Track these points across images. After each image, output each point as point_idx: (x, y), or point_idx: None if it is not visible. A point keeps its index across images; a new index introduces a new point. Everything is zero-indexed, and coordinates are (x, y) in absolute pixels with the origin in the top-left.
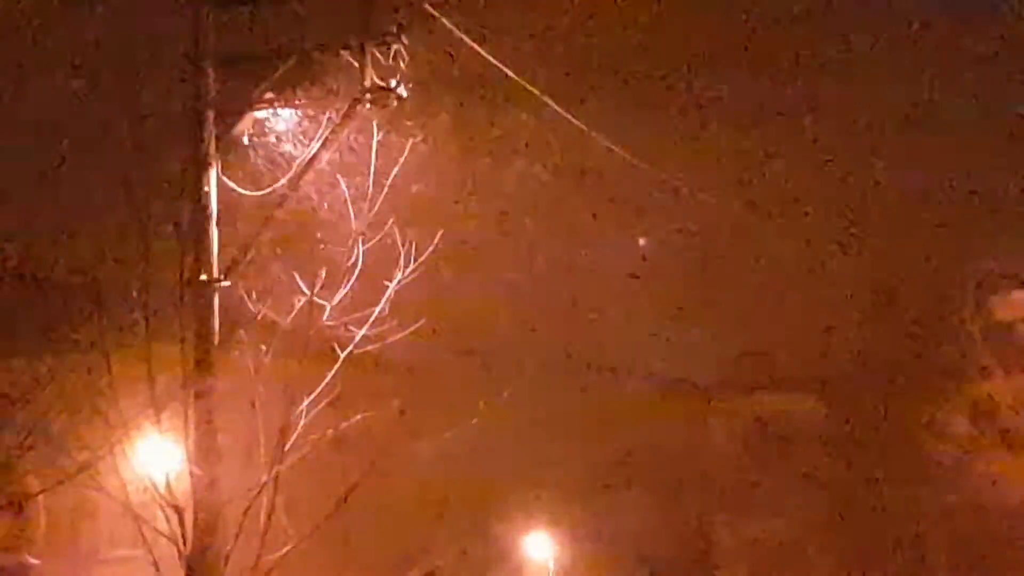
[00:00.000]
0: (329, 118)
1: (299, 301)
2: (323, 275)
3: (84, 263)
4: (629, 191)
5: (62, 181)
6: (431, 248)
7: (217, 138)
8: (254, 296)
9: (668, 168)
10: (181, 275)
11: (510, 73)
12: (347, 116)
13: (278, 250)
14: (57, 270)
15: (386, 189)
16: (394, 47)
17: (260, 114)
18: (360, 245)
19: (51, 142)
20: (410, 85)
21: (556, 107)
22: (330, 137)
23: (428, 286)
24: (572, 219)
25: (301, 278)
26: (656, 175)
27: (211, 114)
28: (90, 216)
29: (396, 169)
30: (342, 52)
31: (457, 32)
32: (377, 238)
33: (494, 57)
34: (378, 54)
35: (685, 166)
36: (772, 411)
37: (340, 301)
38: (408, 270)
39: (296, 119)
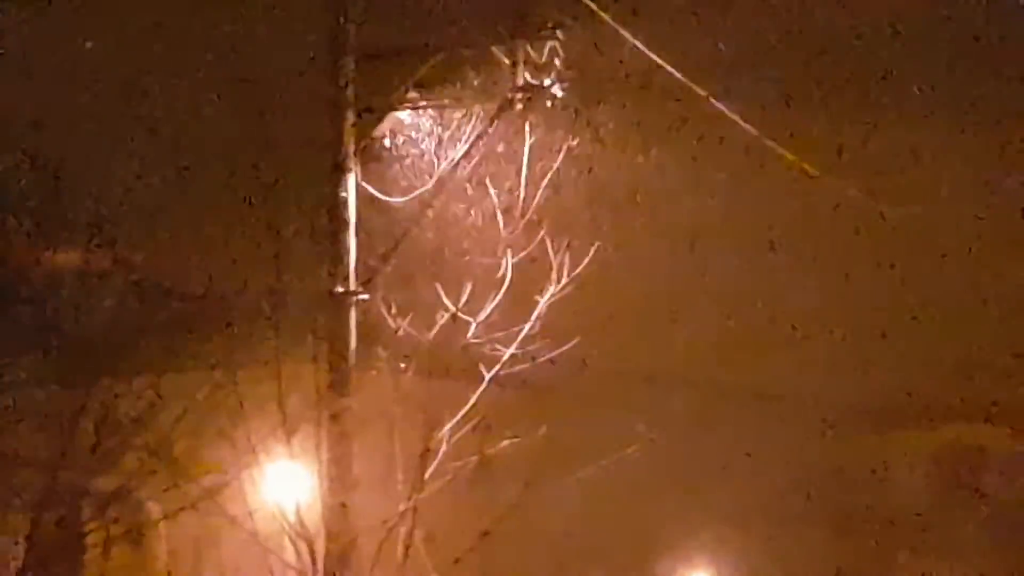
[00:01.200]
0: (477, 119)
1: (442, 316)
2: (469, 289)
3: (212, 274)
4: (816, 207)
5: (190, 186)
6: (586, 261)
7: (356, 140)
8: (394, 310)
9: (862, 182)
10: (316, 287)
11: (676, 74)
12: (497, 117)
13: (420, 261)
14: (184, 282)
15: (539, 197)
16: (549, 43)
17: (403, 115)
18: (509, 257)
19: (180, 145)
20: (566, 84)
21: (728, 112)
22: (478, 140)
23: (583, 302)
24: (749, 235)
25: (445, 292)
26: (842, 187)
27: (350, 114)
28: (220, 223)
29: (550, 175)
30: (493, 48)
31: (622, 31)
32: (528, 250)
33: (661, 57)
34: (532, 51)
35: (885, 181)
36: (958, 443)
37: (487, 317)
38: (561, 285)
39: (442, 120)
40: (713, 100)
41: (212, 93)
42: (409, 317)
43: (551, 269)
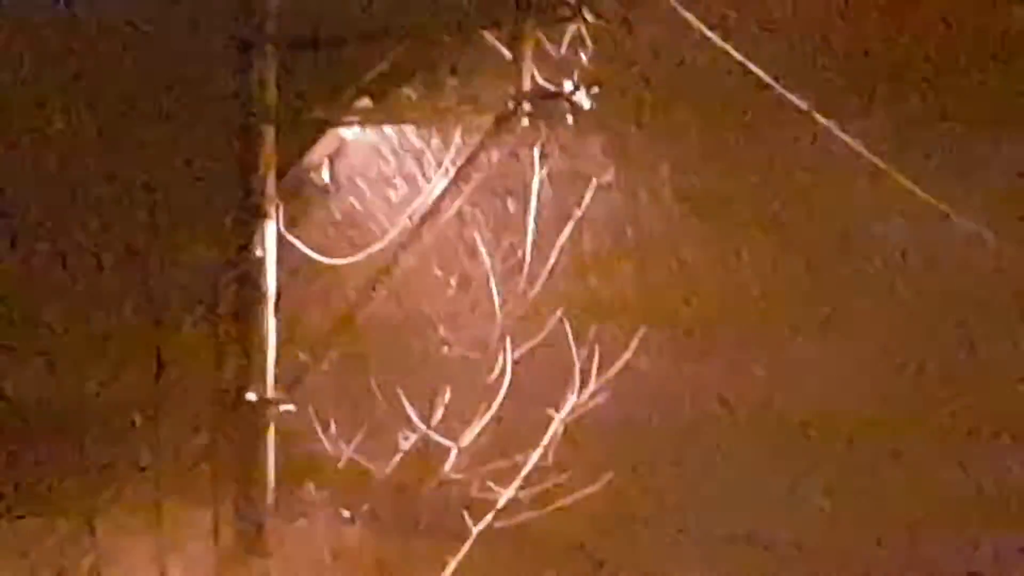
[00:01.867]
0: (462, 141)
1: (407, 439)
2: (447, 397)
3: (57, 368)
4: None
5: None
6: (626, 356)
7: (278, 170)
8: (333, 428)
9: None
10: (216, 392)
11: (763, 75)
12: (491, 139)
13: (373, 355)
14: (13, 379)
15: (553, 258)
16: (571, 29)
17: (349, 133)
18: (509, 350)
19: None
20: (596, 90)
21: (830, 125)
22: (462, 172)
23: (619, 419)
24: (867, 326)
25: (411, 401)
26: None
27: (268, 132)
28: (68, 293)
29: (571, 225)
30: (485, 34)
31: (683, 12)
32: (538, 339)
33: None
34: (545, 39)
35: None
36: None
37: (474, 441)
38: (588, 393)
39: (408, 142)
40: (822, 119)
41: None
42: (356, 439)
43: (572, 368)
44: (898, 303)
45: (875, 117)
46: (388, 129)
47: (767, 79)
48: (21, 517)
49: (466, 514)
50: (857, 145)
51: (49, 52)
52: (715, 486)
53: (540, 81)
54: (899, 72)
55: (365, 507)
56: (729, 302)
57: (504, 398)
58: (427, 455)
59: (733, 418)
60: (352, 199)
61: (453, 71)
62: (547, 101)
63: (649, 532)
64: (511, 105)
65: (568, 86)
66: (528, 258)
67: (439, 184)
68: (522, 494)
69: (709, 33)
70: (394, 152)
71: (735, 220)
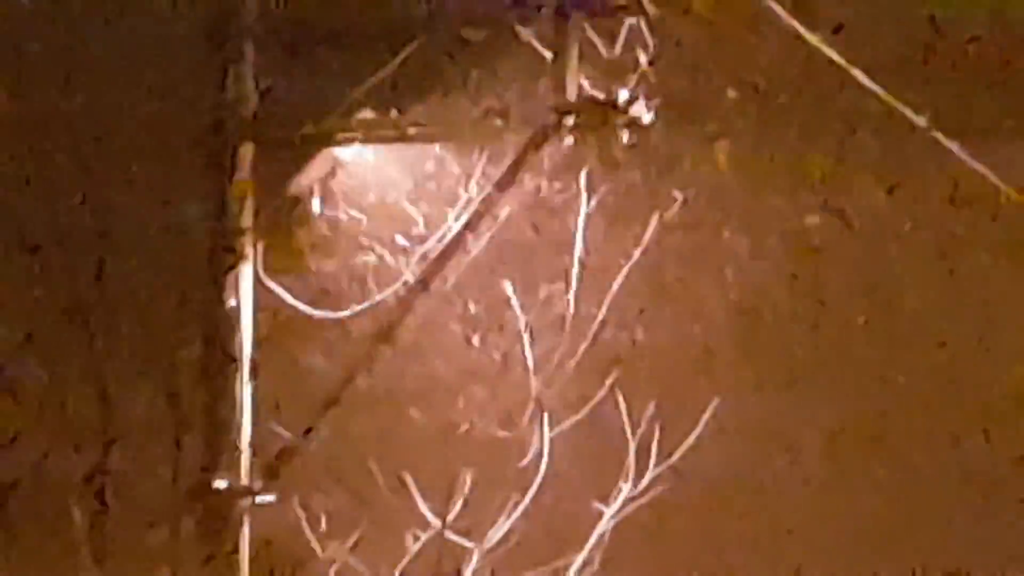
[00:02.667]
0: (489, 164)
1: (417, 538)
2: (467, 486)
3: None
4: None
5: None
6: (692, 437)
7: (259, 201)
8: (324, 525)
9: None
10: (177, 479)
11: (870, 84)
12: (527, 160)
13: (375, 434)
14: None
15: (604, 311)
16: (627, 23)
17: (347, 153)
18: (546, 428)
19: None
20: (657, 101)
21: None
22: (491, 201)
23: (682, 510)
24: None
25: (423, 492)
26: None
27: (248, 150)
28: None
29: (626, 270)
30: (520, 31)
31: (775, 7)
32: (580, 413)
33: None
34: (595, 37)
35: None
36: None
37: (501, 541)
38: (643, 483)
39: (422, 165)
40: (943, 137)
41: None
42: (353, 538)
43: (625, 451)
44: None
45: None
46: (396, 148)
47: (875, 88)
48: None
49: None
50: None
51: None
52: None
53: (588, 89)
54: None
55: None
56: (829, 364)
57: (539, 488)
58: (442, 559)
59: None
60: (350, 236)
61: (479, 76)
62: (597, 114)
63: None
64: (552, 119)
65: (623, 95)
66: (571, 311)
67: (460, 218)
68: None
69: (804, 31)
70: (403, 177)
71: (829, 246)
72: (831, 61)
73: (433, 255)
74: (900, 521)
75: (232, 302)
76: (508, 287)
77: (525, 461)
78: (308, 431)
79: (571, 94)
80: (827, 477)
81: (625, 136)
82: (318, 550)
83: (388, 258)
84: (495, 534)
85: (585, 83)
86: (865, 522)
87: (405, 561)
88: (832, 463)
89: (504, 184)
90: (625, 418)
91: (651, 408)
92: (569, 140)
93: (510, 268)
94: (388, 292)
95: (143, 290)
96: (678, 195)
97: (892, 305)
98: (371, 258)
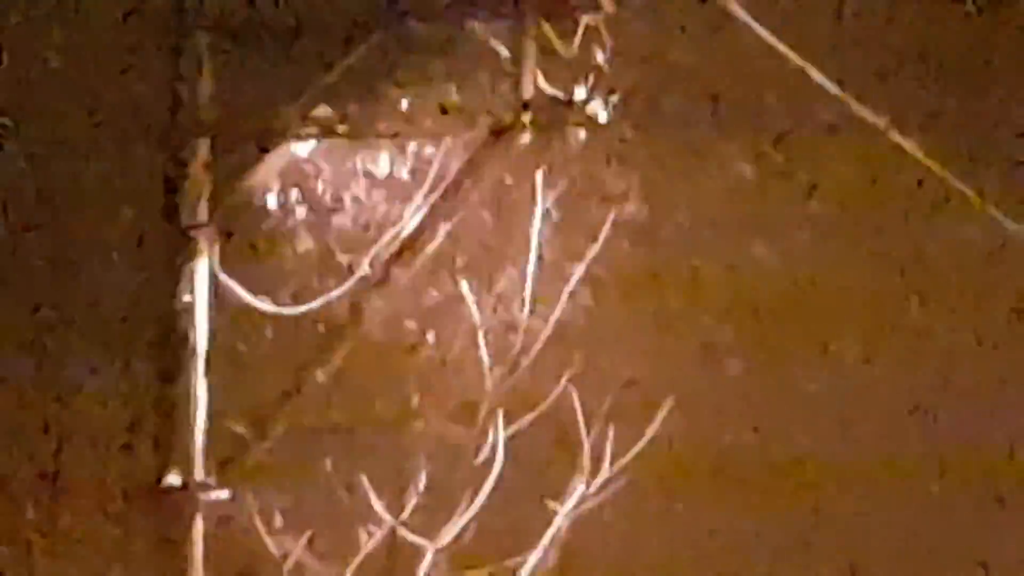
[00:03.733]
0: (445, 159)
1: (371, 535)
2: (421, 483)
3: None
4: None
5: None
6: (648, 435)
7: (213, 195)
8: (279, 521)
9: None
10: (130, 478)
11: (828, 84)
12: (484, 157)
13: (328, 429)
14: None
15: (558, 310)
16: (584, 21)
17: (302, 148)
18: (500, 428)
19: None
20: (614, 98)
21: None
22: (447, 198)
23: (636, 508)
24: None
25: (376, 488)
26: None
27: (203, 145)
28: None
29: (582, 267)
30: (477, 28)
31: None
32: (536, 411)
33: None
34: (551, 33)
35: None
36: None
37: (456, 539)
38: (597, 484)
39: (379, 161)
40: (899, 138)
41: None
42: (307, 535)
43: (580, 450)
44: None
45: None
46: (352, 144)
47: (833, 89)
48: None
49: None
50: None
51: None
52: None
53: (545, 87)
54: None
55: None
56: (785, 363)
57: (494, 486)
58: (396, 556)
59: (782, 515)
60: (306, 231)
61: (436, 73)
62: (554, 111)
63: None
64: (509, 116)
65: (580, 93)
66: (527, 309)
67: (416, 214)
68: None
69: (758, 27)
70: (360, 173)
71: (793, 260)
72: (789, 60)
73: (389, 251)
74: (840, 525)
75: (187, 296)
76: (464, 284)
77: (480, 459)
78: (262, 427)
79: (528, 92)
80: (785, 473)
81: (581, 133)
82: (271, 546)
83: (344, 254)
84: (449, 532)
85: (542, 81)
86: (808, 521)
87: (359, 558)
88: (789, 460)
89: (461, 181)
90: (580, 417)
91: (606, 406)
92: (526, 137)
93: (466, 265)
94: (344, 288)
95: (97, 285)
96: (632, 192)
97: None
98: (327, 254)
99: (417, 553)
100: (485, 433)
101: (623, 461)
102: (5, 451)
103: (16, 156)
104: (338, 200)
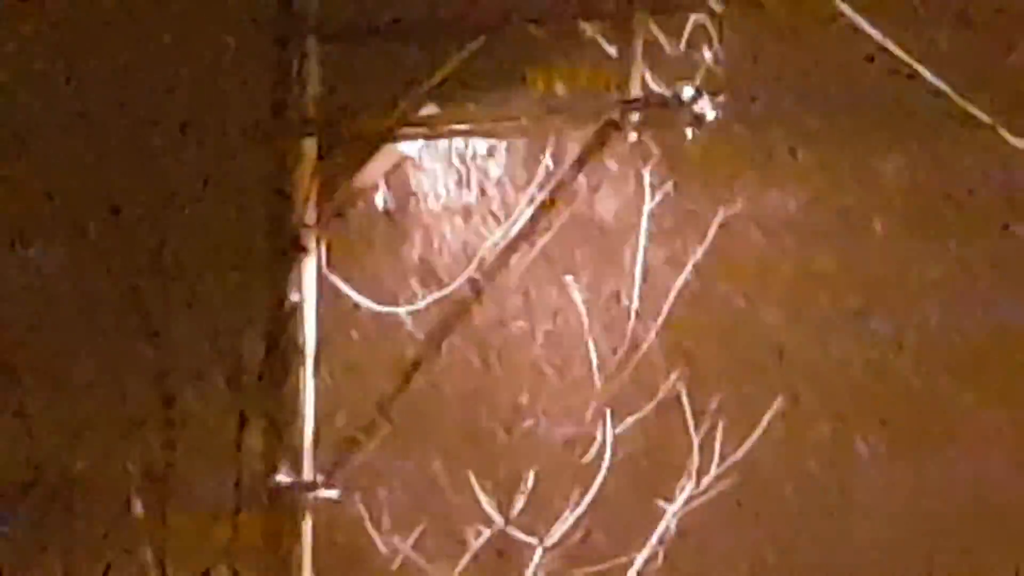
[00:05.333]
0: (553, 161)
1: (479, 535)
2: (530, 483)
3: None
4: None
5: None
6: (756, 434)
7: (320, 195)
8: (387, 521)
9: None
10: (239, 478)
11: (941, 84)
12: (591, 157)
13: (438, 428)
14: None
15: (666, 309)
16: (693, 19)
17: (411, 148)
18: (609, 425)
19: None
20: (722, 98)
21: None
22: (555, 198)
23: (746, 507)
24: None
25: (484, 487)
26: None
27: (311, 145)
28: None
29: (689, 267)
30: (583, 26)
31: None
32: (645, 410)
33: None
34: (658, 32)
35: None
36: None
37: (564, 537)
38: (706, 481)
39: (485, 161)
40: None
41: None
42: (415, 535)
43: (689, 448)
44: None
45: None
46: (460, 144)
47: (944, 88)
48: None
49: None
50: None
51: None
52: None
53: (653, 85)
54: None
55: None
56: (902, 364)
57: (603, 485)
58: (505, 556)
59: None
60: (413, 231)
61: (542, 72)
62: (662, 111)
63: None
64: (616, 115)
65: (688, 92)
66: (635, 308)
67: (523, 214)
68: None
69: (867, 26)
70: (467, 173)
71: (908, 259)
72: (902, 61)
73: (497, 251)
74: (969, 522)
75: (295, 297)
76: (572, 283)
77: (588, 457)
78: (370, 427)
79: (635, 91)
80: (894, 476)
81: (689, 133)
82: (380, 545)
83: (452, 253)
84: (558, 531)
85: (650, 80)
86: (932, 522)
87: (467, 557)
88: (900, 460)
89: (568, 180)
90: (689, 415)
91: (715, 405)
92: (633, 137)
93: (574, 264)
94: (452, 287)
95: (205, 284)
96: (741, 192)
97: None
98: (435, 253)
99: (525, 552)
100: (594, 431)
101: (733, 459)
102: (115, 448)
103: (123, 156)
104: (445, 200)
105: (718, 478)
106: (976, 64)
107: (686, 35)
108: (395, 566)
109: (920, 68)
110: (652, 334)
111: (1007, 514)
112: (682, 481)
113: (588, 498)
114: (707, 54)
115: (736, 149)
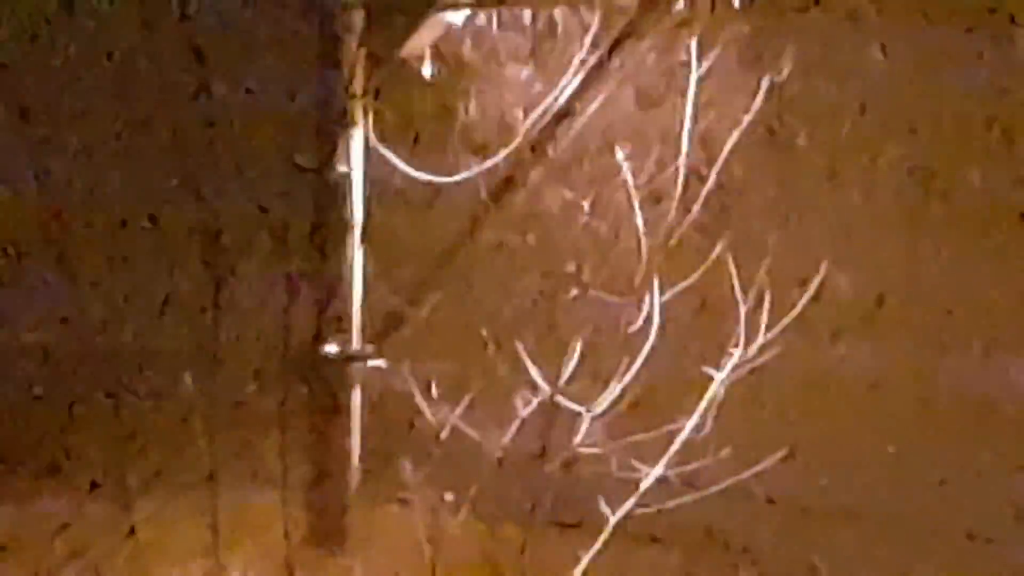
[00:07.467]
0: (600, 28)
1: (527, 403)
2: (578, 351)
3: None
4: None
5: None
6: (804, 301)
7: (370, 66)
8: (435, 390)
9: None
10: (287, 343)
11: None
12: (639, 23)
13: (486, 299)
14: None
15: (715, 175)
16: None
17: (458, 17)
18: (656, 293)
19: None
20: None
21: None
22: (602, 66)
23: (793, 375)
24: None
25: (532, 356)
26: None
27: (358, 14)
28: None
29: (737, 134)
30: None
31: None
32: (691, 278)
33: None
34: None
35: None
36: None
37: (611, 407)
38: (755, 348)
39: (532, 29)
40: None
41: None
42: (463, 404)
43: (736, 316)
44: None
45: None
46: (507, 12)
47: None
48: (36, 493)
49: (601, 499)
50: None
51: None
52: (917, 467)
53: None
54: None
55: (474, 489)
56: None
57: (650, 353)
58: (552, 424)
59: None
60: (460, 102)
61: None
62: None
63: (839, 526)
64: None
65: None
66: (682, 176)
67: (571, 83)
68: (672, 474)
69: None
70: (514, 41)
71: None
72: None
73: (545, 120)
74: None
75: (344, 167)
76: (619, 152)
77: (636, 326)
78: (418, 298)
79: None
80: (942, 341)
81: (737, 2)
82: (428, 414)
83: (498, 123)
84: (606, 399)
85: None
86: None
87: (515, 425)
88: (947, 331)
89: (616, 48)
90: (736, 283)
91: (762, 273)
92: (680, 3)
93: (622, 133)
94: (499, 157)
95: (252, 153)
96: (789, 57)
97: None
98: (481, 124)
99: (574, 420)
100: (641, 300)
101: (780, 326)
102: (163, 322)
103: (169, 31)
104: (493, 68)
105: (765, 346)
106: None
107: None
108: (444, 435)
109: None
110: (699, 204)
111: None
112: (729, 348)
113: (636, 366)
114: None
115: (783, 19)
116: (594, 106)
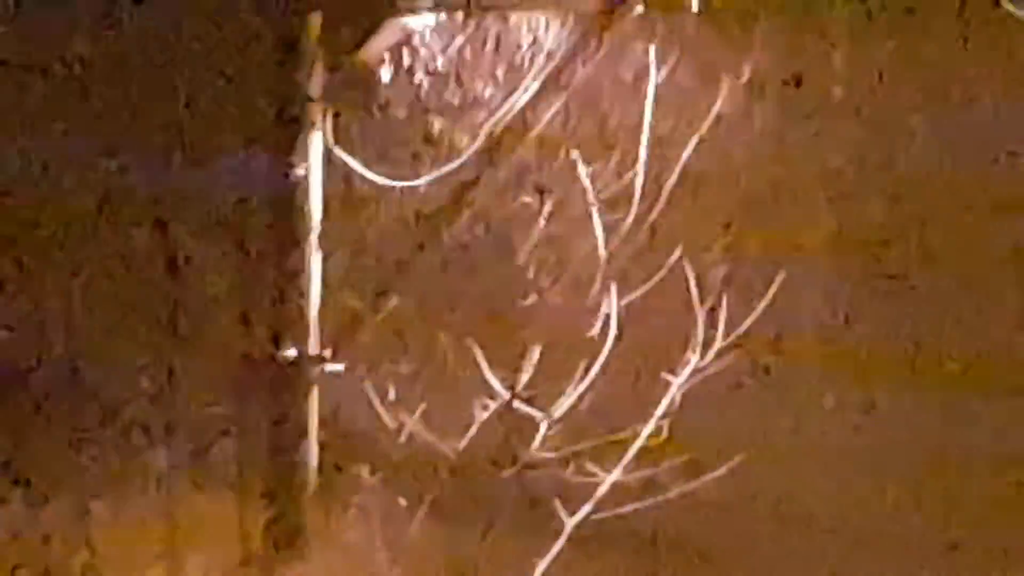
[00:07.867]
0: (560, 34)
1: (485, 408)
2: (535, 356)
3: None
4: None
5: None
6: (762, 306)
7: (328, 69)
8: (392, 394)
9: None
10: (244, 351)
11: None
12: (598, 30)
13: (444, 303)
14: None
15: (673, 180)
16: None
17: (417, 21)
18: (614, 298)
19: None
20: None
21: None
22: (561, 71)
23: (749, 380)
24: None
25: (490, 361)
26: None
27: (315, 17)
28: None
29: (695, 139)
30: None
31: None
32: (649, 283)
33: None
34: None
35: None
36: None
37: (570, 410)
38: (711, 354)
39: (491, 34)
40: None
41: None
42: (421, 409)
43: (693, 321)
44: None
45: None
46: (466, 16)
47: None
48: None
49: (558, 503)
50: None
51: None
52: (876, 474)
53: None
54: None
55: (431, 495)
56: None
57: (608, 358)
58: (510, 429)
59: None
60: (418, 106)
61: None
62: None
63: (788, 528)
64: None
65: None
66: (640, 181)
67: (530, 87)
68: (629, 479)
69: None
70: (472, 46)
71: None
72: None
73: (503, 124)
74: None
75: (301, 170)
76: (577, 157)
77: (594, 331)
78: (376, 301)
79: None
80: (907, 348)
81: (695, 4)
82: (386, 419)
83: (456, 127)
84: (563, 404)
85: None
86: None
87: (473, 430)
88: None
89: (574, 54)
90: (693, 288)
91: (719, 278)
92: (639, 9)
93: (580, 137)
94: (458, 162)
95: (208, 157)
96: (747, 62)
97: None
98: (440, 127)
99: (531, 426)
100: (599, 306)
101: (737, 332)
102: (119, 324)
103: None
104: (451, 73)
105: (722, 351)
106: None
107: None
108: (402, 440)
109: None
110: (658, 207)
111: None
112: (687, 355)
113: (594, 371)
114: None
115: (742, 23)
116: (553, 111)
